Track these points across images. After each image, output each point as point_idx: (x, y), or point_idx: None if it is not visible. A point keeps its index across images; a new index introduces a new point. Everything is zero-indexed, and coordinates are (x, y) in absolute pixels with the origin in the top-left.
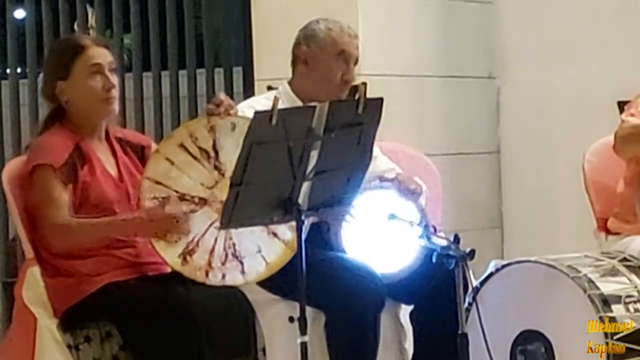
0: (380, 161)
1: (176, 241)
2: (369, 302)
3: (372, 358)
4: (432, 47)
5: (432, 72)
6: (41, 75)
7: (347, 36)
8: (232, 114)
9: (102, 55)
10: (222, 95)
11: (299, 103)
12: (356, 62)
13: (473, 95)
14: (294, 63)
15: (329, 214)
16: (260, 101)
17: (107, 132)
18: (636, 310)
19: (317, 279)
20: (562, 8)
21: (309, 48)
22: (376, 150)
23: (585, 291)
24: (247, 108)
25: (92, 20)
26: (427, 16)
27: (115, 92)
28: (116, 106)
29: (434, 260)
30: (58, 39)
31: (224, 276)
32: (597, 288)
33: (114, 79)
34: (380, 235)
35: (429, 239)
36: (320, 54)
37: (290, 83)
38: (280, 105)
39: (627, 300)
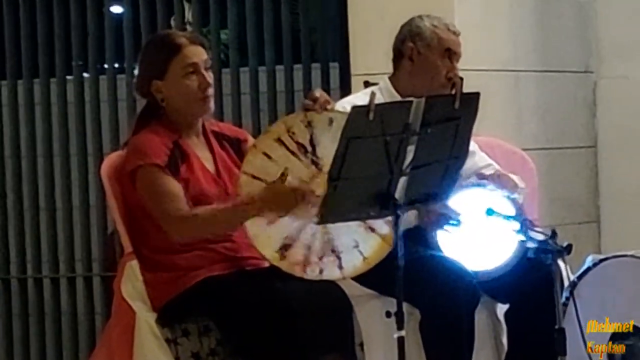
0: (479, 157)
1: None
2: (462, 299)
3: (467, 354)
4: (529, 41)
5: (529, 66)
6: (136, 72)
7: (453, 34)
8: (329, 109)
9: (198, 54)
10: (318, 91)
11: (399, 99)
12: (458, 60)
13: (570, 90)
14: (396, 59)
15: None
16: (360, 97)
17: (203, 127)
18: None
19: (411, 276)
20: None
21: (415, 45)
22: (474, 147)
23: None
24: (347, 104)
25: (189, 16)
26: (523, 11)
27: (212, 91)
28: (212, 104)
29: (530, 255)
30: (152, 36)
31: (321, 271)
32: None
33: (210, 77)
34: (477, 233)
35: (526, 233)
36: (426, 52)
37: (391, 79)
38: (380, 101)
39: None
